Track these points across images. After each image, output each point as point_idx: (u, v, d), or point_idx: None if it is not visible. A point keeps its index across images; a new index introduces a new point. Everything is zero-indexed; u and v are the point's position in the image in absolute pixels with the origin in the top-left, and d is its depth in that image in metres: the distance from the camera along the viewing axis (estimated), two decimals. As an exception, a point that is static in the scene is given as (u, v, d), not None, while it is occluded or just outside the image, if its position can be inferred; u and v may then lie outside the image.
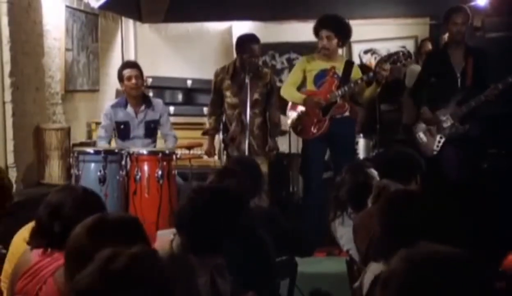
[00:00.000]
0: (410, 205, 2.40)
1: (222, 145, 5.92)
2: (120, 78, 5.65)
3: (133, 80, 5.57)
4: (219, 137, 5.98)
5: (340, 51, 6.10)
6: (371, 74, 5.60)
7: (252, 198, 3.67)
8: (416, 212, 2.34)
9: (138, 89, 5.65)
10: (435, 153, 5.67)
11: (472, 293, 1.40)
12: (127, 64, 5.84)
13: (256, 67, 5.67)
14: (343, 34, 5.83)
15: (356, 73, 5.86)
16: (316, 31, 5.84)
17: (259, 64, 5.90)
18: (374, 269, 2.51)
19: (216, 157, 6.20)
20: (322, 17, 5.88)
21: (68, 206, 2.61)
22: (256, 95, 5.63)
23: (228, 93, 5.69)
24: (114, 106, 5.72)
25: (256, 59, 5.66)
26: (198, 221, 2.64)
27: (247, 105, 5.44)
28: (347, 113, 5.82)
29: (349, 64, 5.93)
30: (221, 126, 5.87)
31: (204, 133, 6.02)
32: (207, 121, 6.00)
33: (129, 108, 5.66)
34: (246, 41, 5.69)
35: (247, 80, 5.47)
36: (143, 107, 5.67)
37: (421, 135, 5.77)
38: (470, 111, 5.56)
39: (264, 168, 5.55)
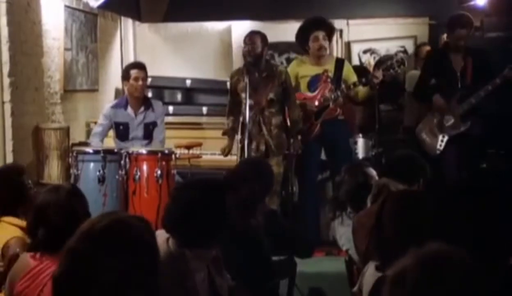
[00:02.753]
0: (416, 206, 2.40)
1: (240, 145, 5.90)
2: (126, 77, 5.66)
3: (140, 82, 5.62)
4: (237, 137, 5.95)
5: (328, 50, 6.14)
6: (363, 80, 5.70)
7: (263, 200, 3.67)
8: (421, 213, 2.34)
9: (142, 91, 5.70)
10: (438, 152, 5.68)
11: (485, 292, 1.41)
12: (135, 65, 5.84)
13: (268, 65, 5.65)
14: (332, 33, 6.06)
15: (347, 71, 5.95)
16: (307, 34, 5.86)
17: (274, 63, 5.91)
18: (372, 271, 2.51)
19: (230, 156, 6.10)
20: (313, 19, 5.94)
21: (51, 211, 2.61)
22: (271, 95, 5.59)
23: (243, 94, 5.66)
24: (114, 107, 5.75)
25: (253, 48, 5.54)
26: (185, 217, 2.64)
27: (247, 105, 5.43)
28: (339, 117, 5.88)
29: (339, 62, 5.97)
30: (239, 127, 5.85)
31: (223, 134, 6.01)
32: (225, 122, 5.97)
33: (129, 109, 5.68)
34: (245, 36, 5.70)
35: (246, 80, 5.46)
36: (142, 108, 5.70)
37: (424, 136, 5.78)
38: (470, 108, 5.57)
39: (279, 169, 5.54)
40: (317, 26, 5.86)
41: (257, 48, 5.56)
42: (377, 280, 2.40)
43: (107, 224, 1.66)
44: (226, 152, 5.90)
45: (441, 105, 5.69)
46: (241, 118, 5.74)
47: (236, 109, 5.77)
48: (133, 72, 5.63)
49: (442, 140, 5.69)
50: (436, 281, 1.41)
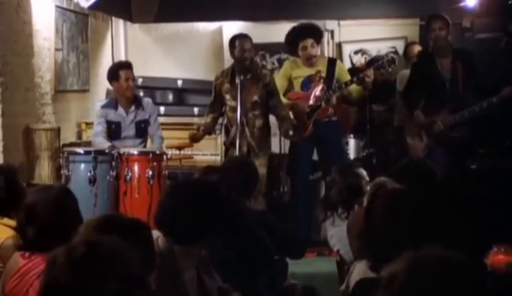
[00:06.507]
0: (407, 204, 2.40)
1: (224, 147, 5.90)
2: (115, 77, 5.60)
3: (131, 82, 5.60)
4: (221, 138, 5.94)
5: (319, 52, 6.14)
6: (355, 79, 5.68)
7: (246, 198, 3.68)
8: (412, 211, 2.34)
9: (134, 91, 5.69)
10: (422, 156, 5.67)
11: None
12: (124, 65, 5.79)
13: (252, 67, 5.64)
14: (321, 38, 6.09)
15: (340, 70, 5.97)
16: (295, 42, 5.87)
17: (257, 65, 5.91)
18: (359, 270, 2.52)
19: (217, 158, 6.07)
20: (300, 28, 5.94)
21: (39, 209, 2.62)
22: (255, 97, 5.59)
23: (228, 96, 5.65)
24: (104, 106, 5.71)
25: (247, 54, 5.54)
26: (177, 215, 2.68)
27: (238, 107, 5.43)
28: (333, 117, 5.88)
29: (331, 63, 5.98)
30: (223, 128, 5.84)
31: (197, 130, 5.94)
32: (204, 119, 5.93)
33: (120, 109, 5.65)
34: (234, 38, 5.68)
35: (237, 81, 5.46)
36: (133, 108, 5.67)
37: (409, 139, 5.78)
38: (462, 121, 5.53)
39: (262, 170, 5.53)
40: (304, 35, 5.85)
41: (252, 53, 5.61)
42: (357, 281, 2.40)
43: (84, 252, 1.57)
44: (196, 137, 5.78)
45: (421, 122, 5.66)
46: (224, 121, 5.75)
47: (217, 111, 5.76)
48: (123, 73, 5.59)
49: (426, 146, 5.68)
50: (422, 285, 1.41)
